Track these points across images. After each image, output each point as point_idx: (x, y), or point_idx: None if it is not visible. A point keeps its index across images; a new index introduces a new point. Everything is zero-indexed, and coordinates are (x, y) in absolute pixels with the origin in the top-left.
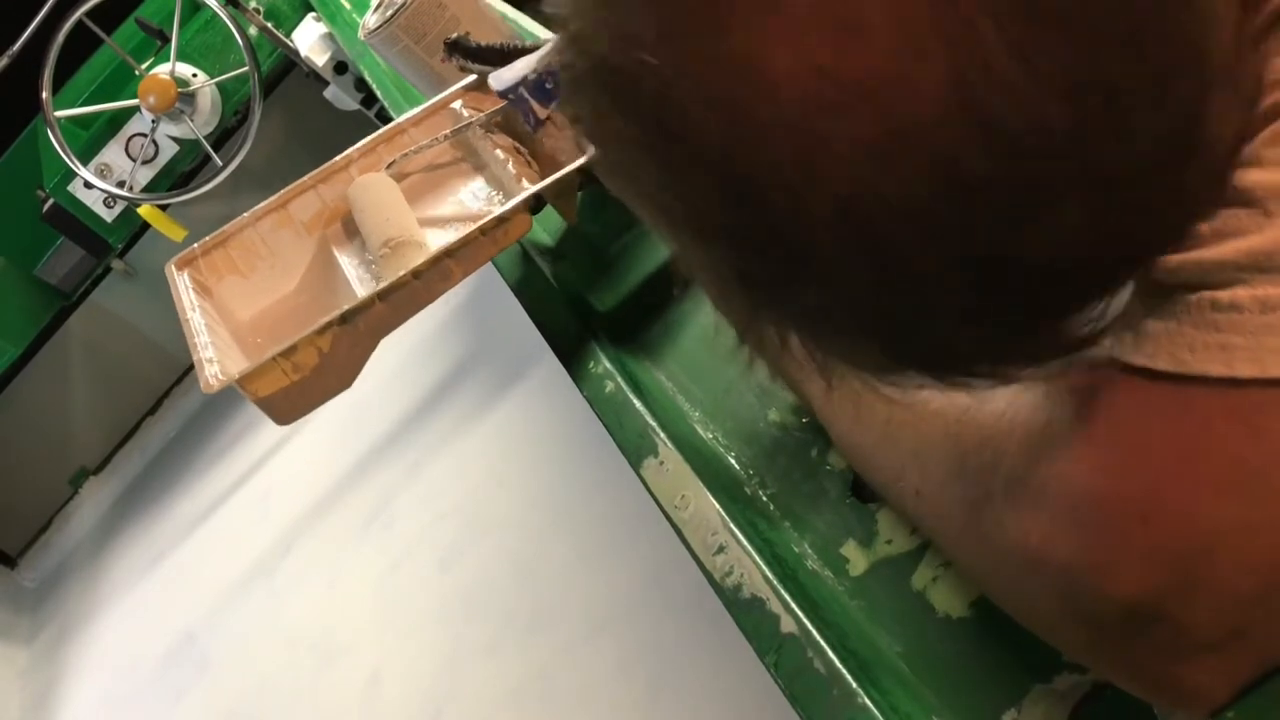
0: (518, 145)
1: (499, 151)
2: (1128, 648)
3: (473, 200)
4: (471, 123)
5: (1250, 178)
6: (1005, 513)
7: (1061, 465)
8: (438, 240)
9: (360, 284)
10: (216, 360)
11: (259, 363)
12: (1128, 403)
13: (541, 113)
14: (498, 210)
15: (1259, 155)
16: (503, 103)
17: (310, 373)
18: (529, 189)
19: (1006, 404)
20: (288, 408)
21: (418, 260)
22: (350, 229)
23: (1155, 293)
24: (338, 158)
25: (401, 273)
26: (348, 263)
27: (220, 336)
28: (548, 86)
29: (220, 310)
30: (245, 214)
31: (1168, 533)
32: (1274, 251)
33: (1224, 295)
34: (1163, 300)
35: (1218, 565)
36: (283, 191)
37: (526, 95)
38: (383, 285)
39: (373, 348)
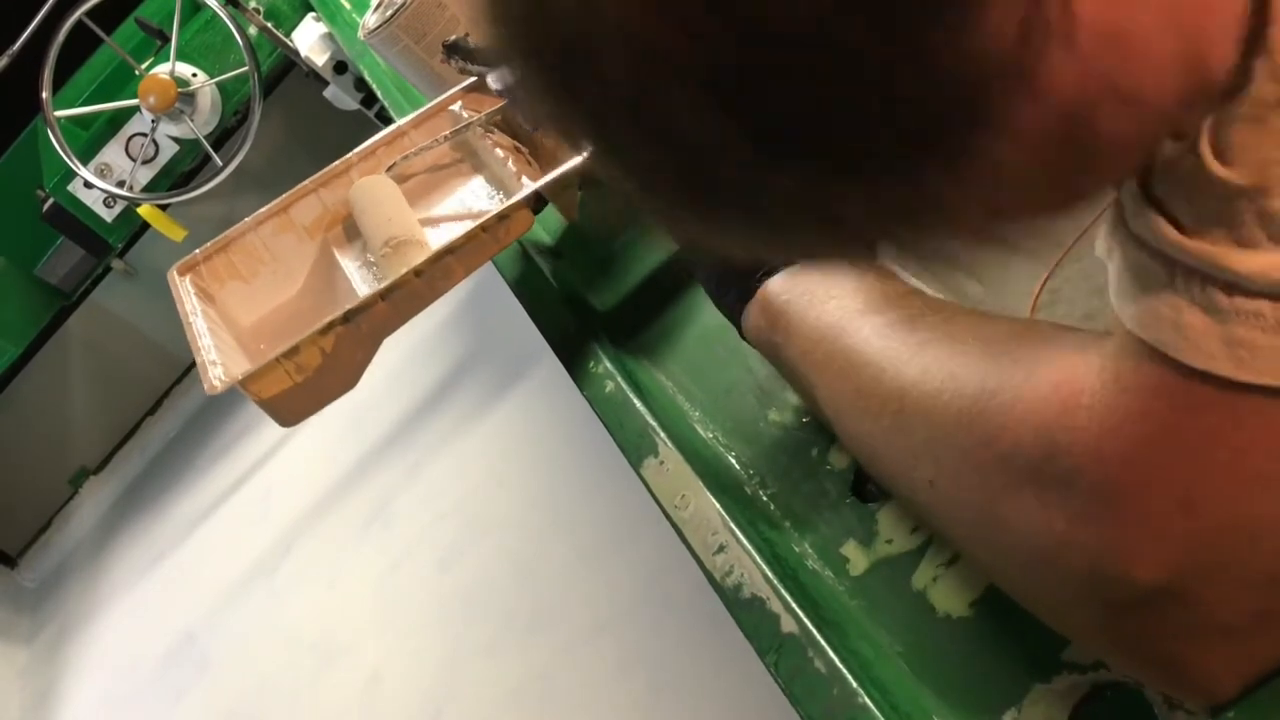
0: (517, 145)
1: (499, 150)
2: (1145, 628)
3: (474, 200)
4: (471, 123)
5: None
6: (1026, 499)
7: (1094, 454)
8: (440, 240)
9: (363, 285)
10: (220, 363)
11: (262, 364)
12: (1183, 402)
13: None
14: (498, 208)
15: None
16: (502, 102)
17: (314, 373)
18: (530, 186)
19: (1014, 394)
20: (292, 409)
21: (419, 259)
22: (352, 232)
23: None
24: (338, 161)
25: (403, 271)
26: (350, 265)
27: (224, 340)
28: None
29: (223, 316)
30: (247, 219)
31: (1208, 520)
32: None
33: None
34: (1219, 297)
35: (1251, 550)
36: (284, 196)
37: None
38: (385, 284)
39: (376, 348)
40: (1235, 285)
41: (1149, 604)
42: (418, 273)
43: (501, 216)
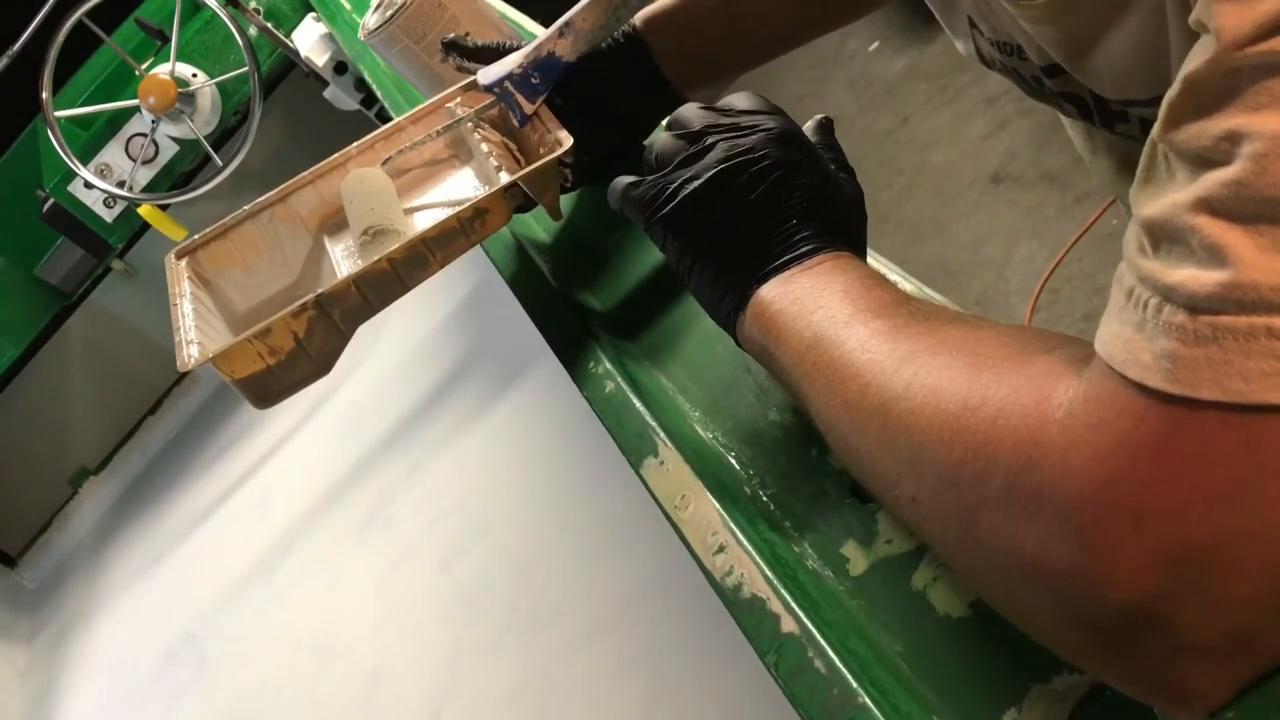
0: (506, 141)
1: (484, 146)
2: (1125, 652)
3: (462, 195)
4: (462, 120)
5: None
6: (999, 521)
7: (1057, 474)
8: None
9: (345, 274)
10: (198, 342)
11: (233, 343)
12: (1129, 416)
13: (528, 107)
14: (473, 198)
15: None
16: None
17: (286, 356)
18: (506, 179)
19: (998, 410)
20: (265, 391)
21: (395, 247)
22: (344, 223)
23: (1172, 308)
24: (336, 155)
25: (376, 258)
26: (338, 255)
27: (213, 326)
28: (534, 81)
29: (218, 302)
30: (246, 207)
31: (1160, 540)
32: None
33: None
34: (1182, 319)
35: (1208, 570)
36: (282, 186)
37: (512, 90)
38: (357, 270)
39: (349, 335)
40: (1167, 298)
41: (1123, 628)
42: (390, 260)
43: (477, 209)
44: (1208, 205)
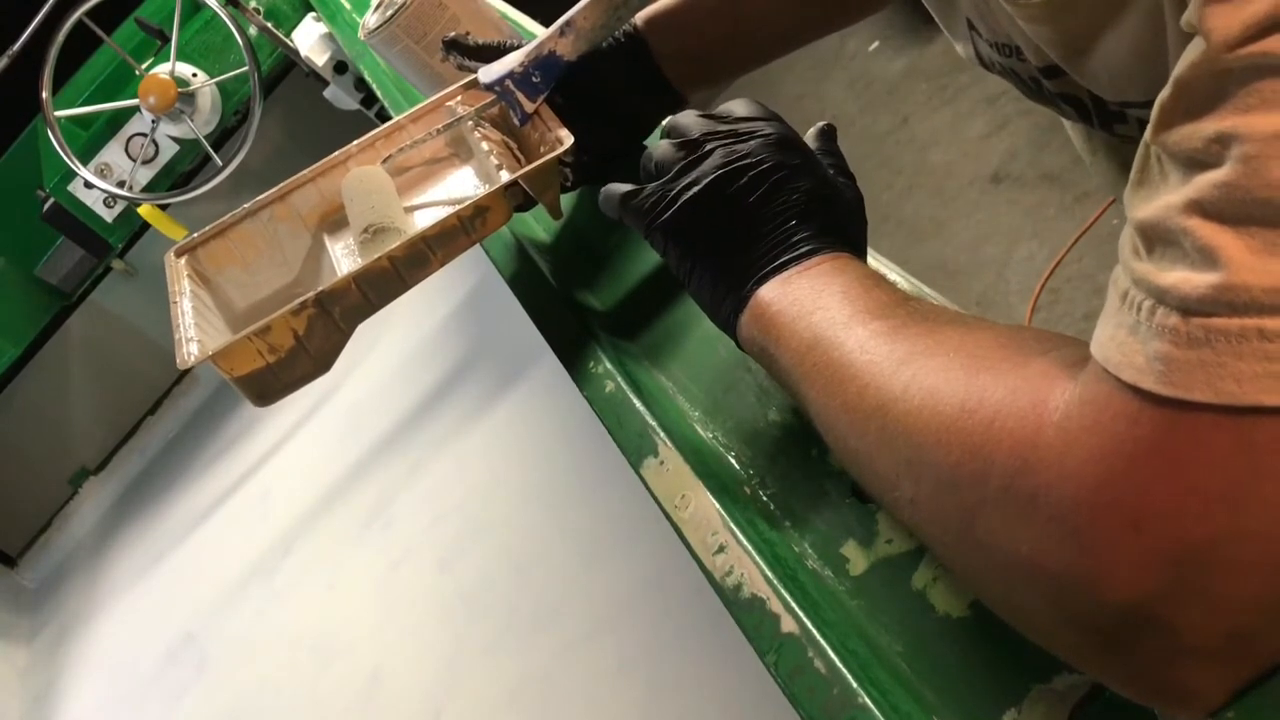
0: (507, 140)
1: (485, 144)
2: (1124, 654)
3: (463, 194)
4: (463, 118)
5: None
6: (997, 522)
7: (1054, 476)
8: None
9: (344, 272)
10: (198, 340)
11: (233, 340)
12: (1124, 418)
13: (529, 106)
14: (474, 196)
15: None
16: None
17: (286, 354)
18: (507, 177)
19: (995, 412)
20: (265, 389)
21: (395, 245)
22: (344, 222)
23: (1166, 310)
24: (337, 153)
25: (376, 255)
26: (338, 253)
27: (212, 324)
28: (534, 80)
29: (218, 300)
30: (245, 205)
31: (1158, 541)
32: None
33: (1270, 324)
34: (1179, 322)
35: (1206, 570)
36: (282, 184)
37: (513, 88)
38: (357, 268)
39: (349, 333)
40: (1160, 300)
41: (1122, 629)
42: (390, 259)
43: (478, 206)
44: (1199, 207)
